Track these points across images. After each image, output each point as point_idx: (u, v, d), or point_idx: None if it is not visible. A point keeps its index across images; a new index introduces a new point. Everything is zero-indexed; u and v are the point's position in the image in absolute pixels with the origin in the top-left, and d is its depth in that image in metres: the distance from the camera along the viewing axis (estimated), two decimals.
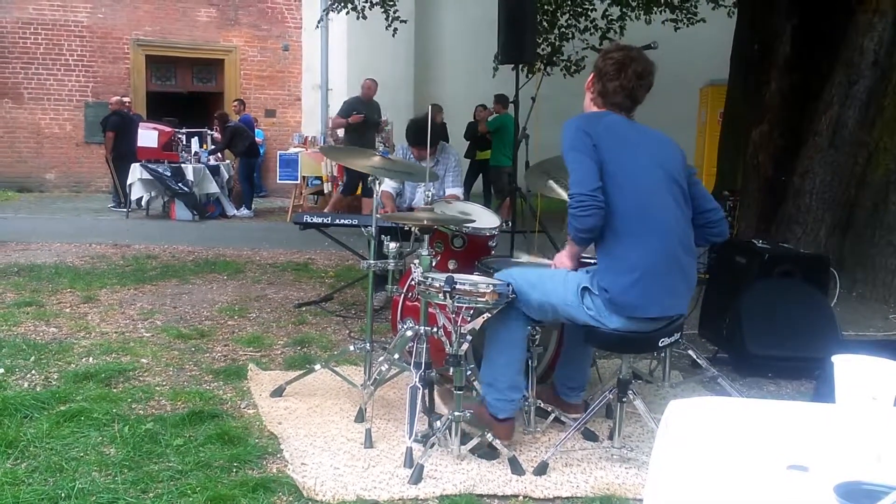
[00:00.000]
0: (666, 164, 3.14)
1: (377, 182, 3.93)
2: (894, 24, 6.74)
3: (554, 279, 3.20)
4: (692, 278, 3.22)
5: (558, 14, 12.35)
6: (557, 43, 12.54)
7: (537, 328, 3.47)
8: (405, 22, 12.08)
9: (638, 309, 3.01)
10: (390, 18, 11.51)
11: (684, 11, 12.44)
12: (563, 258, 3.28)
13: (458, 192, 5.69)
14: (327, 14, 12.05)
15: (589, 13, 12.39)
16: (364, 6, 11.43)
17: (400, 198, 5.91)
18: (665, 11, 12.37)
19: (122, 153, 11.93)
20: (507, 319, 3.20)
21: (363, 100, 10.79)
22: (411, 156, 5.69)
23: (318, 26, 13.64)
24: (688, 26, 12.40)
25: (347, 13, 11.67)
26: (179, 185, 11.23)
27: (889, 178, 6.73)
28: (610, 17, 12.39)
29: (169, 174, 11.21)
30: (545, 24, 12.02)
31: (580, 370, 3.67)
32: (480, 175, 12.90)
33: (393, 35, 11.78)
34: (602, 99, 3.23)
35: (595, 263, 3.17)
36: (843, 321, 5.08)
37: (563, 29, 12.52)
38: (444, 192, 5.64)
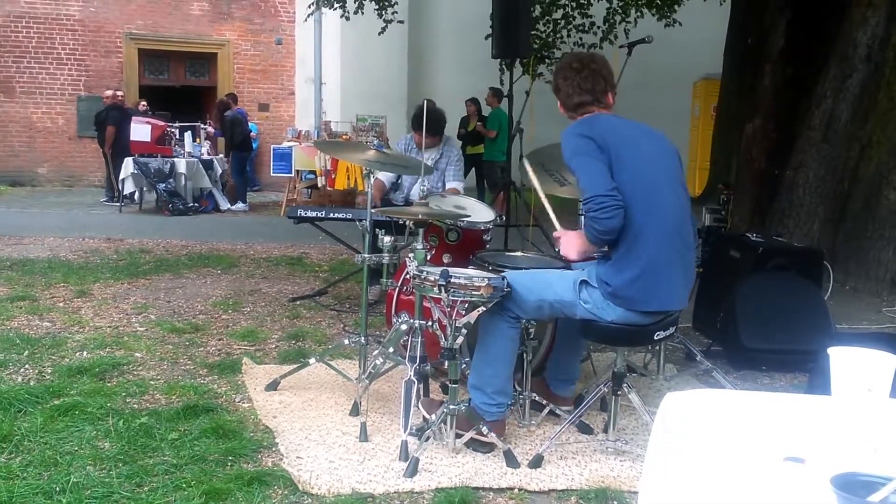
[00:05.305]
0: (665, 157, 3.16)
1: (371, 175, 3.92)
2: (888, 18, 6.75)
3: (548, 277, 3.20)
4: (691, 272, 3.24)
5: (551, 9, 12.32)
6: (551, 39, 12.51)
7: (532, 321, 3.46)
8: (402, 22, 12.05)
9: (639, 303, 3.02)
10: (384, 19, 11.47)
11: (667, 10, 12.44)
12: (570, 249, 3.17)
13: (459, 185, 5.66)
14: (318, 7, 11.94)
15: (586, 8, 12.36)
16: (356, 6, 11.36)
17: (398, 191, 5.90)
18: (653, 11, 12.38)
19: (122, 147, 11.89)
20: (496, 329, 3.17)
21: None
22: (413, 145, 5.65)
23: (306, 20, 13.64)
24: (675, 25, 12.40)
25: (334, 9, 11.62)
26: (167, 193, 11.29)
27: (881, 171, 6.74)
28: (602, 12, 12.39)
29: (156, 168, 11.20)
30: (538, 17, 12.00)
31: (571, 363, 3.67)
32: (473, 169, 12.88)
33: (384, 30, 11.75)
34: (571, 110, 3.24)
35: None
36: (837, 314, 5.09)
37: (557, 24, 12.49)
38: (445, 186, 5.63)
